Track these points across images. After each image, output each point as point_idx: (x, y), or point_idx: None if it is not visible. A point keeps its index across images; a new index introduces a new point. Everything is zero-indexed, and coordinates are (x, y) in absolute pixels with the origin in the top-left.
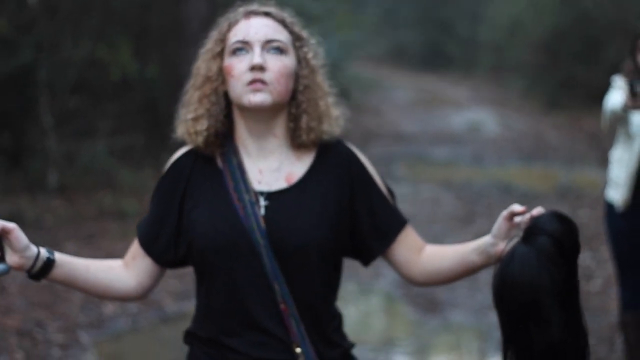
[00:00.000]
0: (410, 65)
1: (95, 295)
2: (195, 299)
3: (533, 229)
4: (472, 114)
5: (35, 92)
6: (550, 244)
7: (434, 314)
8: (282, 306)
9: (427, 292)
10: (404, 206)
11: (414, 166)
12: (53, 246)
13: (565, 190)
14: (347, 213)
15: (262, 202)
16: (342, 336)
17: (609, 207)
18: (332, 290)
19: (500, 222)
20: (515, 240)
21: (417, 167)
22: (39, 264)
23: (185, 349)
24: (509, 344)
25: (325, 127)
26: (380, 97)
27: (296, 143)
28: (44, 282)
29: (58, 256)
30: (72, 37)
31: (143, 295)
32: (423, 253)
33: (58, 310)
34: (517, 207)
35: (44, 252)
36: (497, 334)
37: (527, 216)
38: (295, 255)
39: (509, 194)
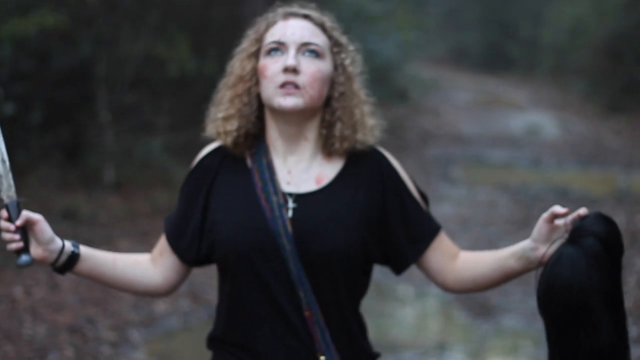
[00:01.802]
0: (470, 67)
1: (121, 290)
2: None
3: (580, 230)
4: (531, 116)
5: (94, 87)
6: (598, 245)
7: (487, 318)
8: (306, 313)
9: (480, 296)
10: (459, 209)
11: (471, 168)
12: (107, 243)
13: (623, 195)
14: (377, 219)
15: (290, 204)
16: (368, 344)
17: None
18: (358, 297)
19: (540, 225)
20: (558, 243)
21: (474, 169)
22: (64, 257)
23: None
24: (555, 349)
25: (360, 136)
26: (439, 98)
27: (328, 150)
28: None
29: (83, 250)
30: (130, 32)
31: (169, 292)
32: (457, 260)
33: (109, 308)
34: (558, 209)
35: (68, 246)
36: None
37: (570, 218)
38: (321, 261)
39: (566, 197)
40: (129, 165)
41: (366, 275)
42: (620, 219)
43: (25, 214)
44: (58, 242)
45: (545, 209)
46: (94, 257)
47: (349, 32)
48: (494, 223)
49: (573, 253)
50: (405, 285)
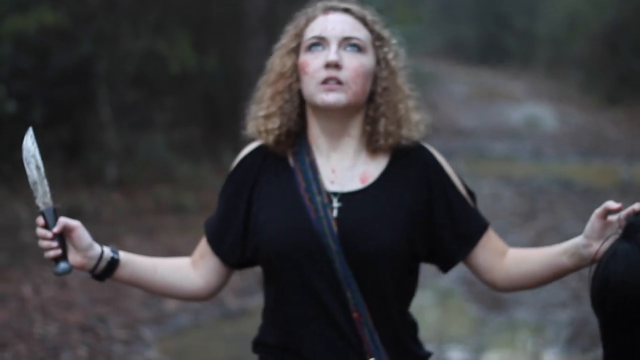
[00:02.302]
0: (466, 59)
1: (162, 295)
2: (260, 297)
3: (634, 226)
4: (530, 108)
5: (94, 85)
6: None
7: (498, 311)
8: (354, 314)
9: (490, 289)
10: None
11: (472, 161)
12: (112, 240)
13: (627, 186)
14: (424, 217)
15: (335, 203)
16: (419, 345)
17: None
18: (408, 297)
19: (593, 221)
20: (612, 239)
21: (476, 162)
22: (103, 264)
23: (247, 344)
24: (611, 349)
25: (405, 132)
26: (437, 92)
27: (372, 147)
28: None
29: (123, 255)
30: (131, 30)
31: (211, 295)
32: (506, 257)
33: (119, 306)
34: (612, 204)
35: (107, 252)
36: (562, 332)
37: (624, 213)
38: (368, 261)
39: (570, 189)
40: (131, 162)
41: (413, 274)
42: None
43: (63, 220)
44: (97, 248)
45: (550, 201)
46: (133, 262)
47: None
48: (499, 216)
49: (628, 249)
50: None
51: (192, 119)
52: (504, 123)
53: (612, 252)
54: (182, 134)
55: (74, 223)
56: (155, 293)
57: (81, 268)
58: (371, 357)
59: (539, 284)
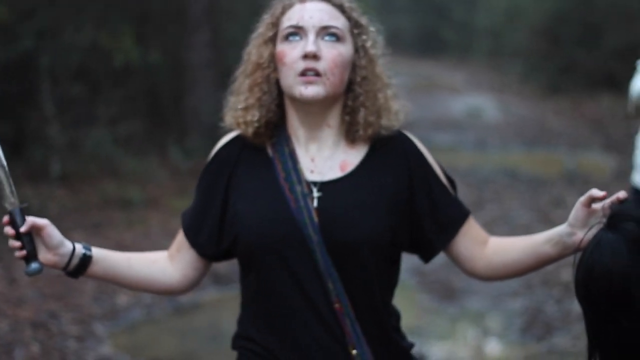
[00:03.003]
0: (405, 51)
1: (138, 290)
2: (212, 291)
3: (619, 215)
4: (471, 99)
5: (37, 79)
6: (639, 231)
7: (451, 301)
8: (336, 305)
9: (443, 279)
10: None
11: None
12: None
13: (571, 176)
14: (405, 206)
15: (315, 193)
16: (401, 335)
17: (636, 192)
18: (389, 287)
19: (577, 209)
20: (596, 228)
21: None
22: (75, 261)
23: (199, 338)
24: (595, 339)
25: (384, 121)
26: None
27: (352, 137)
28: (54, 272)
29: (96, 252)
30: (73, 23)
31: (189, 288)
32: (487, 246)
33: (71, 302)
34: (596, 192)
35: (79, 249)
36: (516, 321)
37: (608, 202)
38: (349, 250)
39: (516, 179)
40: (75, 157)
41: (395, 264)
42: (574, 200)
43: (31, 220)
44: (68, 245)
45: (496, 191)
46: (107, 258)
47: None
48: None
49: (613, 238)
50: None
51: (137, 112)
52: (445, 114)
53: (596, 241)
54: (126, 128)
55: (43, 222)
56: (131, 288)
57: (53, 266)
58: (353, 348)
59: (522, 273)
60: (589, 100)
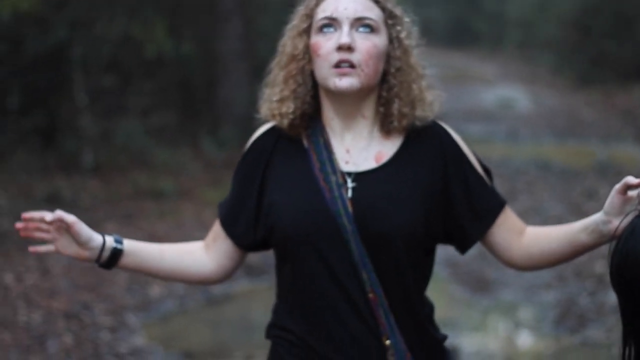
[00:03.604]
0: (436, 42)
1: (173, 280)
2: (245, 282)
3: None
4: (502, 90)
5: (69, 70)
6: None
7: (484, 293)
8: (370, 295)
9: (475, 271)
10: None
11: None
12: (92, 226)
13: (604, 167)
14: (440, 196)
15: (350, 183)
16: (434, 326)
17: None
18: (424, 278)
19: (613, 197)
20: (632, 215)
21: None
22: (106, 254)
23: (231, 329)
24: (630, 326)
25: (419, 112)
26: None
27: (386, 128)
28: (86, 264)
29: (127, 244)
30: (106, 14)
31: (225, 278)
32: (524, 236)
33: (103, 292)
34: (631, 180)
35: (110, 243)
36: (549, 313)
37: None
38: (383, 241)
39: (548, 170)
40: (107, 148)
41: (429, 255)
42: (606, 192)
43: (59, 214)
44: (97, 239)
45: (528, 182)
46: (139, 250)
47: None
48: None
49: None
50: None
51: (169, 104)
52: (477, 105)
53: (630, 228)
54: (158, 119)
55: (70, 219)
56: (165, 279)
57: (86, 260)
58: (387, 339)
59: (558, 262)
60: (621, 92)
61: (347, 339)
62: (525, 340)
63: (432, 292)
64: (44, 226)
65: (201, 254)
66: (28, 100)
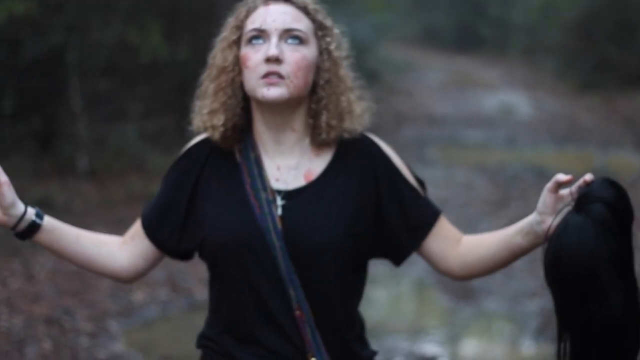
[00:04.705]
0: (442, 47)
1: (84, 268)
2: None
3: (586, 197)
4: (504, 95)
5: (65, 74)
6: (606, 212)
7: (468, 301)
8: (297, 312)
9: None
10: (437, 191)
11: (446, 149)
12: None
13: (601, 174)
14: (371, 210)
15: (279, 201)
16: (363, 344)
17: None
18: (354, 296)
19: (545, 196)
20: (565, 212)
21: (450, 150)
22: (24, 224)
23: None
24: (564, 323)
25: (347, 124)
26: (412, 79)
27: (316, 141)
28: (72, 269)
29: (47, 221)
30: (102, 19)
31: (134, 278)
32: (460, 244)
33: (86, 298)
34: (562, 177)
35: (30, 215)
36: (532, 322)
37: (575, 185)
38: (312, 259)
39: (544, 177)
40: (102, 153)
41: (360, 272)
42: None
43: None
44: (20, 207)
45: (523, 189)
46: (57, 229)
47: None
48: (472, 204)
49: (579, 221)
50: (384, 268)
51: (165, 109)
52: (478, 110)
53: (563, 225)
54: (154, 124)
55: (2, 178)
56: (78, 265)
57: (2, 224)
58: (312, 356)
59: (496, 267)
60: (622, 98)
61: (271, 356)
62: (506, 349)
63: (416, 299)
64: None
65: (115, 248)
66: (23, 104)
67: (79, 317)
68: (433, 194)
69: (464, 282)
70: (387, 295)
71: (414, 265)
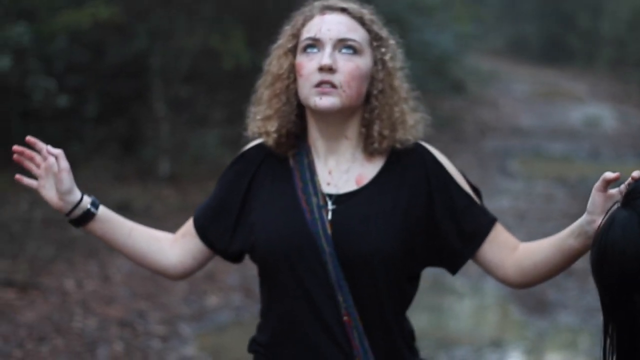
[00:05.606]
0: (529, 59)
1: (134, 261)
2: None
3: (633, 193)
4: (590, 108)
5: (149, 80)
6: None
7: (543, 314)
8: (345, 318)
9: (536, 291)
10: (516, 202)
11: (529, 161)
12: None
13: None
14: (424, 219)
15: (330, 205)
16: (412, 351)
17: None
18: (402, 303)
19: (593, 196)
20: (614, 209)
21: (532, 162)
22: (78, 212)
23: None
24: (610, 320)
25: (399, 135)
26: (497, 90)
27: (369, 149)
28: (147, 273)
29: (102, 211)
30: (186, 25)
31: (182, 276)
32: (517, 251)
33: (160, 301)
34: (609, 175)
35: (85, 203)
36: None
37: (625, 184)
38: (361, 265)
39: None
40: (183, 158)
41: (412, 282)
42: None
43: (57, 151)
44: (76, 195)
45: None
46: (110, 219)
47: (405, 23)
48: (551, 217)
49: (626, 216)
50: (461, 280)
51: (245, 115)
52: (563, 123)
53: (609, 221)
54: (235, 130)
55: (62, 165)
56: (127, 257)
57: (58, 209)
58: None
59: (552, 273)
60: None
61: None
62: None
63: (488, 311)
64: (37, 158)
65: (168, 245)
66: (107, 108)
67: (152, 320)
68: (512, 206)
69: (539, 295)
70: (463, 306)
71: (488, 276)
